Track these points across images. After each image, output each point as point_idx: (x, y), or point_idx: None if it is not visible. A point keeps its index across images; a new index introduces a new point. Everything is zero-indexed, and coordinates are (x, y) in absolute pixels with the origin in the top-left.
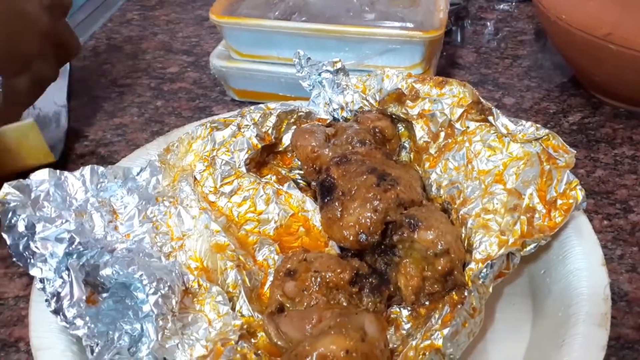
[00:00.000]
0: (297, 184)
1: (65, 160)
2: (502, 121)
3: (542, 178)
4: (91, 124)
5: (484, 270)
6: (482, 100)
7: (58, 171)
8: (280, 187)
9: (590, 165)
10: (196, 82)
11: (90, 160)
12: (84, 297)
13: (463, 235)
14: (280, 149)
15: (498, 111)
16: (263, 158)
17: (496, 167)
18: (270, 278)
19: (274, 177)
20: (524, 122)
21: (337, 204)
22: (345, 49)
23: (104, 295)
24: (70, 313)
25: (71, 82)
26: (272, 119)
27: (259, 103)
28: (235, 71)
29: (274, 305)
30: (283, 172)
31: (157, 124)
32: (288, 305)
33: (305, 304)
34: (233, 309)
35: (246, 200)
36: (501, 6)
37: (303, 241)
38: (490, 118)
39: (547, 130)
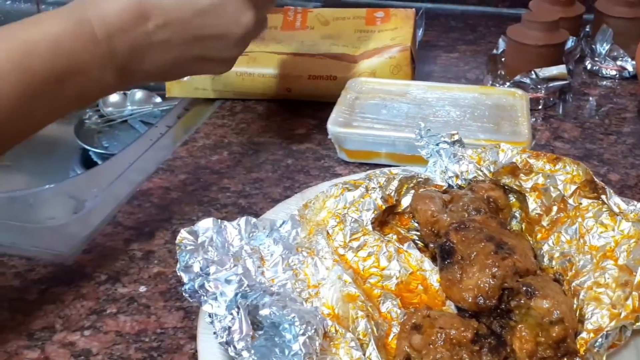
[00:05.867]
0: (415, 244)
1: (209, 210)
2: (615, 200)
3: None
4: (232, 177)
5: (600, 339)
6: (595, 179)
7: (219, 220)
8: (401, 246)
9: None
10: (321, 144)
11: (233, 210)
12: (251, 333)
13: (575, 305)
14: (399, 210)
15: (611, 191)
16: (384, 218)
17: (608, 243)
18: (394, 330)
19: (395, 236)
20: (635, 202)
21: (456, 267)
22: None
23: (259, 332)
24: (239, 345)
25: None
26: (395, 183)
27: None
28: (350, 135)
29: (402, 355)
30: (402, 232)
31: (288, 180)
32: (414, 357)
33: (432, 357)
34: (363, 355)
35: (371, 255)
36: (604, 83)
37: (422, 298)
38: (603, 197)
39: None
